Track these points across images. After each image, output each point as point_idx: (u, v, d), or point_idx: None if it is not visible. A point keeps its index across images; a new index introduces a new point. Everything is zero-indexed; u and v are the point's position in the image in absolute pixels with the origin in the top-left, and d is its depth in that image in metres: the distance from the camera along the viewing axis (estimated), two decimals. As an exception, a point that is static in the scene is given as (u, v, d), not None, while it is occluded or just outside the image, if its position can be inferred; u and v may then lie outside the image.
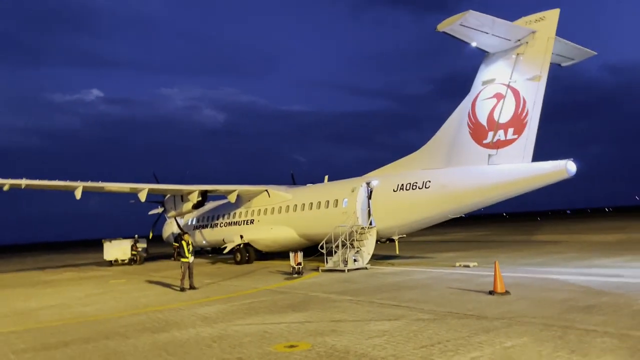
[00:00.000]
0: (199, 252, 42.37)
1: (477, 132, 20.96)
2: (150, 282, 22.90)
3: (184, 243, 19.08)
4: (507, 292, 13.58)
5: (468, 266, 21.06)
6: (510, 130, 19.99)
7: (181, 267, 18.94)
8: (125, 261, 36.13)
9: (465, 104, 21.70)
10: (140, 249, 36.77)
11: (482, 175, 20.56)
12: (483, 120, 20.84)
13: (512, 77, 20.03)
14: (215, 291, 18.03)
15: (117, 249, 36.08)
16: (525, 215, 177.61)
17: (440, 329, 9.90)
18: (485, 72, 21.05)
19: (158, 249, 51.77)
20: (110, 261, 36.06)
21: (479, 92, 21.15)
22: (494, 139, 20.41)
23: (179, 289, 18.74)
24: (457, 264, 21.69)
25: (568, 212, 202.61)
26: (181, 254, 19.05)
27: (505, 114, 20.17)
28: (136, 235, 40.00)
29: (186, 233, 19.72)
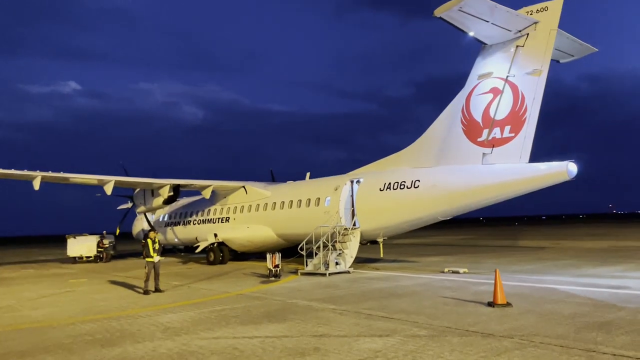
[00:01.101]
0: (170, 250, 40.50)
1: (471, 129, 19.61)
2: (113, 282, 20.99)
3: (149, 241, 17.29)
4: (508, 304, 12.18)
5: (457, 272, 19.69)
6: (507, 128, 18.67)
7: (145, 267, 17.14)
8: (91, 258, 33.97)
9: (459, 99, 20.33)
10: (107, 246, 34.63)
11: (475, 175, 19.20)
12: (478, 117, 19.50)
13: (511, 71, 18.71)
14: (182, 295, 16.27)
15: (82, 245, 33.85)
16: (502, 220, 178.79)
17: (442, 349, 8.39)
18: (481, 65, 19.70)
19: (128, 246, 49.44)
20: (75, 258, 33.85)
21: (474, 87, 19.80)
22: (489, 137, 19.07)
23: (142, 291, 16.95)
24: (446, 270, 20.30)
25: (543, 217, 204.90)
26: (146, 253, 17.25)
27: (501, 110, 18.85)
28: (104, 232, 37.83)
29: (152, 230, 17.90)
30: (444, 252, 33.05)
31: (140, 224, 37.75)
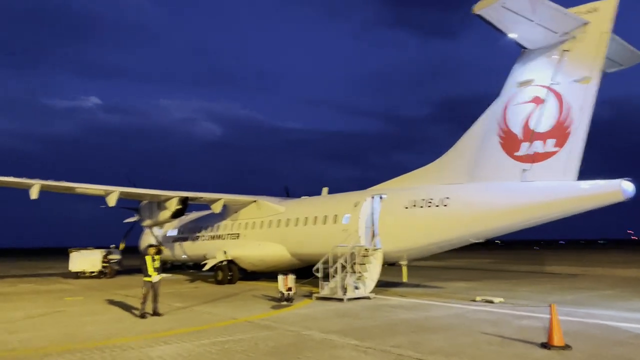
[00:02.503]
0: (179, 267, 38.85)
1: (509, 143, 17.66)
2: (111, 302, 19.20)
3: (147, 258, 15.49)
4: (567, 346, 10.12)
5: (491, 302, 17.56)
6: (550, 142, 16.70)
7: (143, 287, 15.34)
8: (95, 274, 32.28)
9: (495, 108, 18.43)
10: (112, 261, 32.99)
11: (513, 194, 17.20)
12: (516, 129, 17.56)
13: (555, 78, 16.80)
14: (183, 321, 14.40)
15: (85, 260, 32.18)
16: (519, 243, 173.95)
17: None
18: (521, 72, 17.82)
19: (136, 261, 47.75)
20: (77, 273, 32.19)
21: (513, 96, 17.90)
22: (529, 151, 17.10)
23: (138, 314, 15.13)
24: (478, 299, 18.18)
25: (561, 242, 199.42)
26: (144, 272, 15.45)
27: (544, 121, 16.90)
28: (112, 245, 36.32)
29: (152, 246, 16.12)
30: (468, 276, 30.80)
31: (148, 239, 36.05)
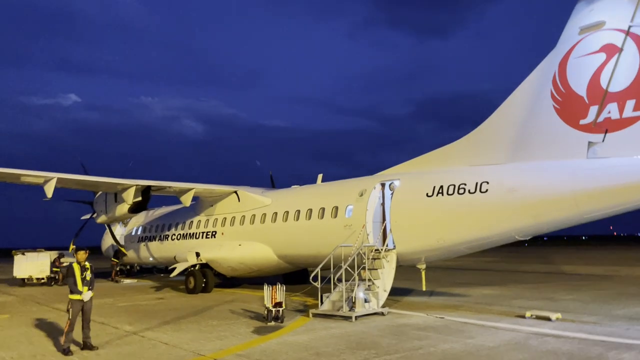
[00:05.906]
0: (149, 270, 34.31)
1: (570, 108, 13.36)
2: (40, 323, 14.44)
3: (75, 267, 10.81)
4: None
5: (549, 319, 13.21)
6: (630, 104, 12.46)
7: (68, 308, 10.65)
8: (44, 280, 27.30)
9: (549, 65, 14.09)
10: (64, 265, 28.04)
11: (577, 175, 12.90)
12: (580, 89, 13.27)
13: (635, 18, 12.54)
14: (124, 358, 9.77)
15: (32, 265, 27.18)
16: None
17: None
18: (585, 14, 13.49)
19: (98, 262, 42.65)
20: (23, 279, 27.16)
21: (574, 45, 13.58)
22: (598, 118, 12.82)
23: (61, 348, 10.47)
24: (529, 314, 13.79)
25: (545, 238, 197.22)
26: (70, 287, 10.74)
27: (620, 77, 12.66)
28: (74, 246, 31.29)
29: (82, 250, 11.32)
30: (485, 280, 26.44)
31: (110, 238, 31.14)
